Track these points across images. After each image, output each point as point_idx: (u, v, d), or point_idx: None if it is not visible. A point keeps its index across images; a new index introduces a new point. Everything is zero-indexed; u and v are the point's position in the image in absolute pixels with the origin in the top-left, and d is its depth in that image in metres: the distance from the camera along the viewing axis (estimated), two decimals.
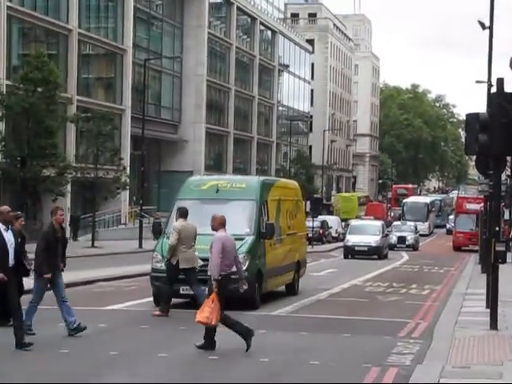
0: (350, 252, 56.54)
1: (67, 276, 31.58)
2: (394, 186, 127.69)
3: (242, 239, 22.49)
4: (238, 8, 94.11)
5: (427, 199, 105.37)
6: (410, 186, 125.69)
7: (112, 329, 18.80)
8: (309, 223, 58.44)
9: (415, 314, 23.58)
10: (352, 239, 57.51)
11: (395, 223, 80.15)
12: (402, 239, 69.88)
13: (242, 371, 14.13)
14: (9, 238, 15.06)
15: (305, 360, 15.24)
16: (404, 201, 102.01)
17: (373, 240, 56.37)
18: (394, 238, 68.26)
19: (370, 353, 16.20)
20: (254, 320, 16.47)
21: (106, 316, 20.63)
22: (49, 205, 55.36)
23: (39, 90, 47.81)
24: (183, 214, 21.38)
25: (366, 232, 57.88)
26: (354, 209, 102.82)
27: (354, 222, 66.93)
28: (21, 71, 51.80)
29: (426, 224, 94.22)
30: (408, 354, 16.08)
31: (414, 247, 69.71)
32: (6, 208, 15.70)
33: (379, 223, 63.34)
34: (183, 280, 20.91)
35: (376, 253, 56.11)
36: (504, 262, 21.71)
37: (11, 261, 15.06)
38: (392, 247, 65.03)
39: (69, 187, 54.65)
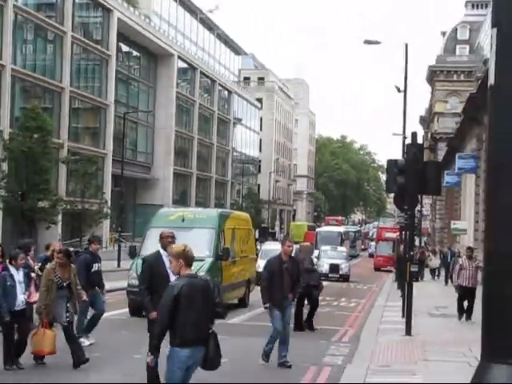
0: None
1: None
2: (326, 217, 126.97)
3: (203, 260, 22.42)
4: (201, 72, 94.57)
5: (341, 229, 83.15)
6: (340, 217, 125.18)
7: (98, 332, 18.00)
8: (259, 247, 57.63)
9: (344, 323, 23.64)
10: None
11: (323, 248, 55.84)
12: (334, 268, 49.54)
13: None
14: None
15: (255, 360, 15.26)
16: (317, 230, 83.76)
17: None
18: (325, 266, 48.12)
19: (308, 354, 16.24)
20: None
21: None
22: (43, 232, 55.10)
23: (35, 136, 47.67)
24: None
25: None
26: (304, 234, 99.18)
27: (264, 247, 50.74)
28: (20, 121, 51.81)
29: None
30: (339, 356, 16.16)
31: (346, 278, 49.76)
32: (168, 232, 12.22)
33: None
34: None
35: None
36: (417, 280, 21.88)
37: None
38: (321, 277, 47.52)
39: (60, 217, 54.35)
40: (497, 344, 4.12)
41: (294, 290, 15.42)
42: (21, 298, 13.60)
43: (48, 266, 14.39)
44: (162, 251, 11.40)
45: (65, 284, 13.77)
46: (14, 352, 13.56)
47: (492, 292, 4.22)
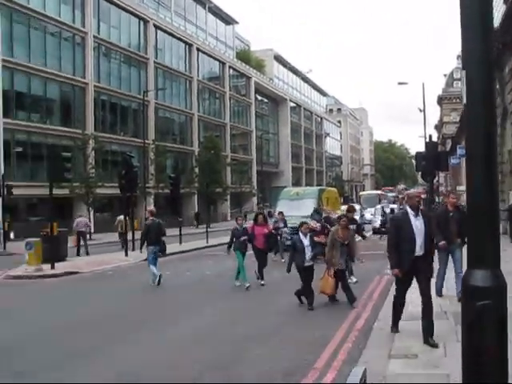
0: None
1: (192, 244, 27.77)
2: (383, 188, 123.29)
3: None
4: (304, 108, 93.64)
5: (379, 192, 63.78)
6: (391, 187, 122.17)
7: None
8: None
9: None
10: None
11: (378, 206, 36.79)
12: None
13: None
14: (417, 224, 7.15)
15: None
16: (360, 193, 67.68)
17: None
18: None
19: (374, 270, 15.31)
20: None
21: None
22: (219, 206, 56.04)
23: (212, 152, 48.63)
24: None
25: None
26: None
27: (343, 207, 29.16)
28: (203, 144, 52.84)
29: None
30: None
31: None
32: (414, 192, 7.87)
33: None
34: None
35: None
36: None
37: (419, 250, 7.09)
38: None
39: (228, 197, 55.23)
40: (475, 255, 4.00)
41: (462, 235, 9.40)
42: (308, 256, 10.81)
43: (333, 228, 11.54)
44: (409, 210, 7.31)
45: (345, 243, 11.01)
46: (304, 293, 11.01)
47: (472, 220, 4.08)
